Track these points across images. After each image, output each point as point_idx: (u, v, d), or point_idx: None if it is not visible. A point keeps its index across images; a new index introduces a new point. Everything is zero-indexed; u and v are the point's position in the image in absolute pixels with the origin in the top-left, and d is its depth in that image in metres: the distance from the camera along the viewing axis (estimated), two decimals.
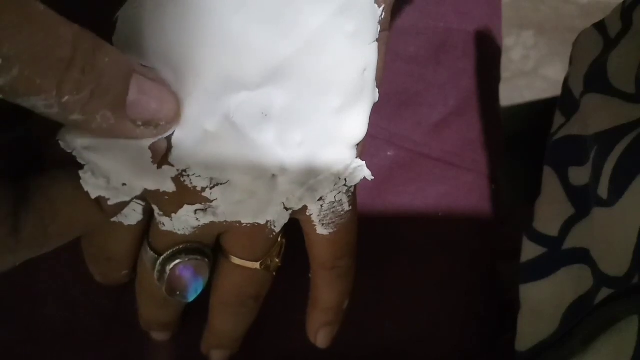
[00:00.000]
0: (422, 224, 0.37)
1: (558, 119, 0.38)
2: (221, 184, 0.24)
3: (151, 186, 0.23)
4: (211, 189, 0.24)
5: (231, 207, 0.25)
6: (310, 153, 0.24)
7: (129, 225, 0.26)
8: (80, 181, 0.21)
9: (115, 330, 0.33)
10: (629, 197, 0.28)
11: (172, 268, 0.26)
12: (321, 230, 0.27)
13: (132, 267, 0.29)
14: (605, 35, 0.36)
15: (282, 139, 0.24)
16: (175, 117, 0.22)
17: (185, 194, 0.24)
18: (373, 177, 0.26)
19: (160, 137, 0.22)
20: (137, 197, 0.24)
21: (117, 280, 0.30)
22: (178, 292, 0.27)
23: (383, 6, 0.25)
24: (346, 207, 0.27)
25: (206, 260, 0.27)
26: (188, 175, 0.24)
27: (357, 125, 0.25)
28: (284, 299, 0.32)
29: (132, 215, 0.26)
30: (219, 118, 0.23)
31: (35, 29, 0.16)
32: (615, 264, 0.28)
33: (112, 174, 0.22)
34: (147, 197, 0.25)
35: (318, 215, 0.27)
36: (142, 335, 0.32)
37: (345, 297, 0.30)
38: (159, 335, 0.32)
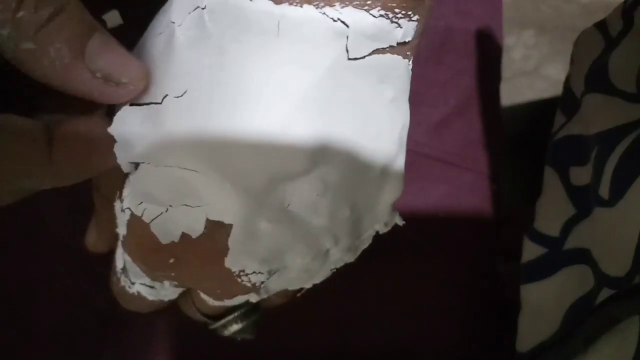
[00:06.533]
0: (422, 224, 0.37)
1: (559, 118, 0.38)
2: (278, 271, 0.23)
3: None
4: (269, 278, 0.23)
5: (284, 282, 0.24)
6: (357, 220, 0.24)
7: (169, 300, 0.26)
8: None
9: (113, 331, 0.33)
10: (630, 197, 0.28)
11: (230, 335, 0.27)
12: None
13: None
14: (606, 34, 0.36)
15: (334, 215, 0.23)
16: (141, 78, 0.19)
17: (240, 288, 0.23)
18: (404, 222, 0.25)
19: (121, 100, 0.19)
20: (177, 286, 0.24)
21: None
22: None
23: (411, 58, 0.23)
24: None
25: (257, 312, 0.27)
26: (247, 275, 0.22)
27: (396, 184, 0.24)
28: None
29: (170, 295, 0.26)
30: (274, 211, 0.21)
31: None
32: (616, 264, 0.28)
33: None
34: (197, 288, 0.25)
35: None
36: (140, 336, 0.32)
37: None
38: None
